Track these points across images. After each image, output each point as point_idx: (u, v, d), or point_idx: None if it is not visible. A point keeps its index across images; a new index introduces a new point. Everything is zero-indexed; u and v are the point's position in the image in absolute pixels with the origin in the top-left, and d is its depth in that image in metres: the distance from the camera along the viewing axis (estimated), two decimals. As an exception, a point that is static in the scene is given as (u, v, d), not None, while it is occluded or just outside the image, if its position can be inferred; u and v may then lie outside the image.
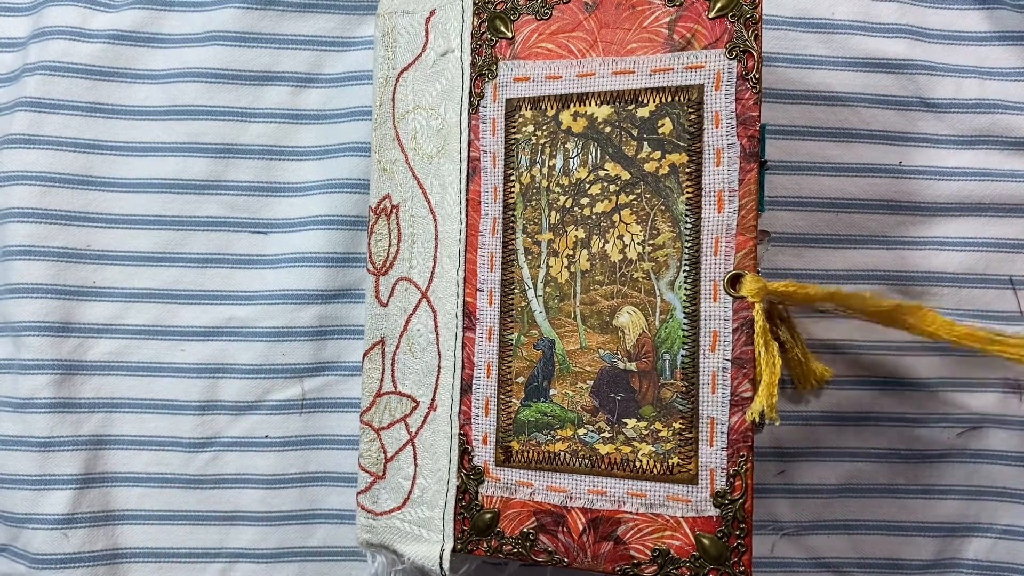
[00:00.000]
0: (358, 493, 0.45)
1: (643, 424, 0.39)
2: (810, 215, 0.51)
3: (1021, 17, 0.52)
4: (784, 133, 0.51)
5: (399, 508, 0.44)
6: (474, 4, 0.44)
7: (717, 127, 0.38)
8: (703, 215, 0.38)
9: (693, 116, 0.39)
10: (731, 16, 0.38)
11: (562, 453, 0.40)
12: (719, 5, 0.38)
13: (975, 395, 0.50)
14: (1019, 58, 0.52)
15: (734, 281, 0.38)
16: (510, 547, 0.41)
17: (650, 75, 0.40)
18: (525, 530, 0.41)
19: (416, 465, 0.43)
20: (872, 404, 0.50)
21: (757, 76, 0.38)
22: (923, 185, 0.51)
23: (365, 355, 0.46)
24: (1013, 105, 0.51)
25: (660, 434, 0.39)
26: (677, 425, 0.38)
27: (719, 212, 0.38)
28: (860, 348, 0.50)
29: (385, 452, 0.44)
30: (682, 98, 0.39)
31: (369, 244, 0.46)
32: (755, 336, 0.37)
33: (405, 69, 0.45)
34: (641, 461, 0.39)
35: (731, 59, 0.38)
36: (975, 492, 0.50)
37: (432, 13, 0.45)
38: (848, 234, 0.51)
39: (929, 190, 0.51)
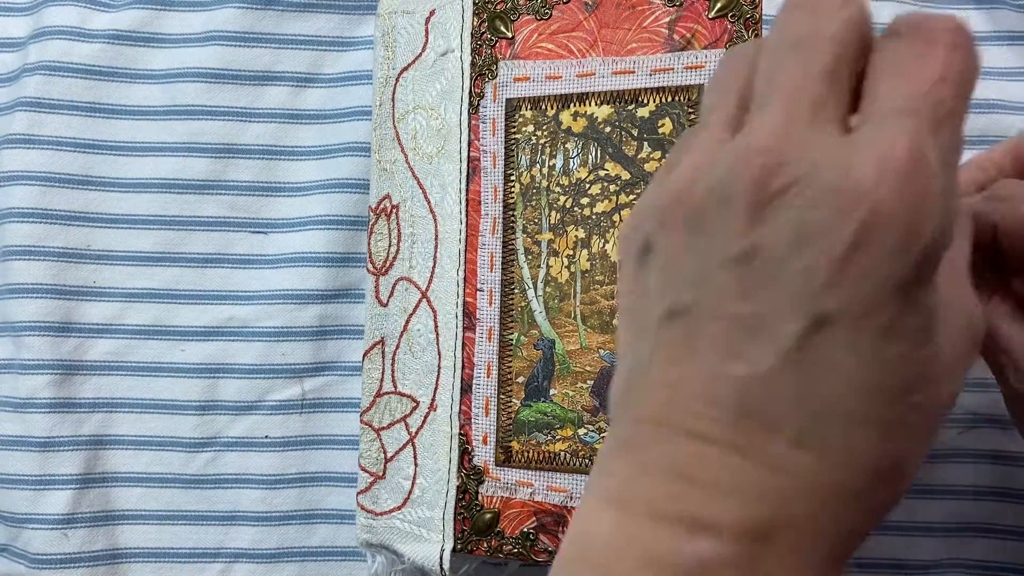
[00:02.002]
0: (358, 493, 0.45)
1: (643, 424, 0.39)
2: (810, 215, 0.51)
3: (1021, 17, 0.52)
4: (784, 133, 0.51)
5: (399, 508, 0.44)
6: (474, 4, 0.44)
7: (717, 127, 0.38)
8: (703, 215, 0.38)
9: (693, 116, 0.39)
10: (731, 16, 0.38)
11: (562, 453, 0.40)
12: (719, 5, 0.38)
13: (975, 395, 0.50)
14: (1019, 58, 0.52)
15: (734, 281, 0.38)
16: (510, 547, 0.41)
17: (650, 75, 0.40)
18: (525, 530, 0.41)
19: (416, 465, 0.43)
20: (872, 404, 0.50)
21: (757, 76, 0.38)
22: (923, 185, 0.51)
23: (365, 355, 0.46)
24: (1013, 105, 0.51)
25: (660, 434, 0.39)
26: (677, 425, 0.38)
27: (719, 212, 0.38)
28: (860, 348, 0.50)
29: (385, 452, 0.44)
30: (682, 98, 0.39)
31: (369, 244, 0.46)
32: (755, 336, 0.37)
33: (405, 69, 0.45)
34: (641, 461, 0.39)
35: (731, 59, 0.38)
36: (976, 492, 0.50)
37: (432, 13, 0.45)
38: (848, 234, 0.51)
39: (929, 190, 0.51)
